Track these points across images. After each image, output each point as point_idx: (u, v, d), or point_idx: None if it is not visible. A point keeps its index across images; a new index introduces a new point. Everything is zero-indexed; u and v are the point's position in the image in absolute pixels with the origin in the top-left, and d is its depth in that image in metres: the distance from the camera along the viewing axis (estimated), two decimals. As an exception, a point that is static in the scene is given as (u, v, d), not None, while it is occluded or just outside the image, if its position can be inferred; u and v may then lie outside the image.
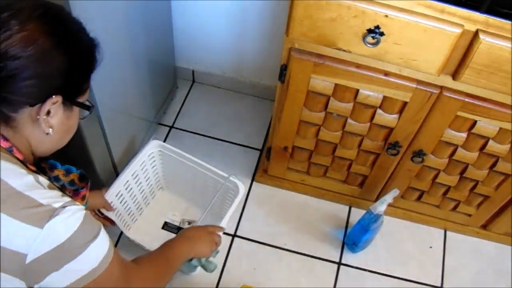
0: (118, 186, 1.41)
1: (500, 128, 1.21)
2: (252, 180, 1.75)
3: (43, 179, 0.79)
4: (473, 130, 1.23)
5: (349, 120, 1.31)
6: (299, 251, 1.61)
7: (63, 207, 0.75)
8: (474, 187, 1.44)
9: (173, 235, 1.37)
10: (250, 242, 1.61)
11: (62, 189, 1.04)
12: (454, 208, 1.59)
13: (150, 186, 1.60)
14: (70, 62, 0.78)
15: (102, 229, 0.82)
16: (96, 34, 1.15)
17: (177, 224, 1.60)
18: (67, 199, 0.77)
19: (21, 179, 0.75)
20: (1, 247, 0.71)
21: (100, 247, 0.80)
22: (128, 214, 1.52)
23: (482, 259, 1.65)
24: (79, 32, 0.82)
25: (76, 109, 0.85)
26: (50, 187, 0.79)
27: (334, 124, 1.34)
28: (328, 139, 1.40)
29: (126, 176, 1.44)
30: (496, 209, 1.52)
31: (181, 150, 1.50)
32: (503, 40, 0.98)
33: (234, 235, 1.62)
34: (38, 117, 0.78)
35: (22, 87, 0.74)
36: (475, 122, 1.21)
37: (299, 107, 1.32)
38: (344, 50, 1.10)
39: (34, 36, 0.73)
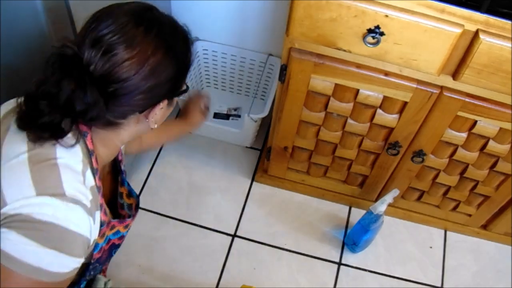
0: None
1: (500, 128, 1.21)
2: (252, 180, 1.75)
3: (91, 178, 0.80)
4: (473, 130, 1.23)
5: (349, 120, 1.31)
6: (299, 251, 1.60)
7: (73, 200, 0.74)
8: (474, 187, 1.44)
9: (225, 121, 1.85)
10: (250, 242, 1.61)
11: (120, 209, 1.09)
12: (454, 208, 1.59)
13: (197, 84, 1.86)
14: (176, 67, 0.82)
15: (80, 260, 0.79)
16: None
17: (225, 112, 1.86)
18: (87, 202, 0.77)
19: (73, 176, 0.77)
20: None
21: (67, 262, 0.76)
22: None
23: (482, 259, 1.65)
24: (179, 34, 0.85)
25: (175, 98, 0.89)
26: (92, 190, 0.80)
27: (334, 124, 1.34)
28: (328, 139, 1.40)
29: None
30: (496, 209, 1.52)
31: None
32: (503, 40, 0.98)
33: (234, 235, 1.62)
34: (147, 120, 0.84)
35: (133, 102, 0.78)
36: (475, 122, 1.21)
37: (299, 107, 1.32)
38: (344, 50, 1.10)
39: (143, 58, 0.76)
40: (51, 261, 0.73)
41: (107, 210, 0.95)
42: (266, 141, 1.78)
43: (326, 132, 1.38)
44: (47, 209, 0.72)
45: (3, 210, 0.72)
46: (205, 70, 1.87)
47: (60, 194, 0.74)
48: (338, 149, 1.43)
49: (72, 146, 0.78)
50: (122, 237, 1.03)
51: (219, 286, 1.51)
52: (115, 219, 0.96)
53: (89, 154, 0.82)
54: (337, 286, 1.55)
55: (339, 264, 1.59)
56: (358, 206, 1.70)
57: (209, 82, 1.92)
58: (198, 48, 1.78)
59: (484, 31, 0.99)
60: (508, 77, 1.05)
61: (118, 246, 1.04)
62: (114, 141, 0.87)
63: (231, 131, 1.74)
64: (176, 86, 0.86)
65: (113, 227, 0.95)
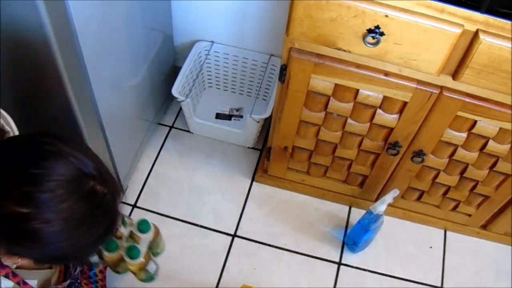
0: (180, 81, 1.68)
1: (500, 128, 1.21)
2: (252, 180, 1.75)
3: (6, 282, 0.78)
4: (473, 130, 1.23)
5: (349, 120, 1.31)
6: (299, 251, 1.61)
7: None
8: (474, 187, 1.44)
9: (227, 122, 1.85)
10: (250, 242, 1.61)
11: None
12: (454, 208, 1.59)
13: (199, 84, 1.86)
14: (60, 250, 0.74)
15: None
16: (96, 34, 1.15)
17: (227, 113, 1.86)
18: None
19: None
20: None
21: None
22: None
23: (482, 259, 1.65)
24: (94, 223, 0.76)
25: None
26: None
27: (334, 124, 1.34)
28: (328, 139, 1.40)
29: (184, 72, 1.70)
30: (496, 209, 1.52)
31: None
32: (503, 40, 0.98)
33: (234, 235, 1.62)
34: (1, 256, 0.76)
35: (2, 239, 0.71)
36: (475, 122, 1.21)
37: (299, 107, 1.32)
38: (344, 50, 1.10)
39: (64, 211, 0.70)
40: None
41: (43, 272, 0.93)
42: (266, 141, 1.79)
43: (326, 132, 1.38)
44: None
45: None
46: (207, 71, 1.87)
47: None
48: (338, 149, 1.43)
49: None
50: None
51: (219, 286, 1.51)
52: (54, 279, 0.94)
53: None
54: (337, 286, 1.55)
55: (339, 264, 1.59)
56: (358, 206, 1.70)
57: (211, 83, 1.93)
58: (200, 49, 1.78)
59: (484, 31, 0.99)
60: (508, 77, 1.05)
61: None
62: None
63: (233, 131, 1.74)
64: (49, 262, 0.79)
65: None
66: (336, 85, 1.22)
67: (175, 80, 1.67)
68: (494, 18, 0.96)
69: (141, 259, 1.18)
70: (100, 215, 0.75)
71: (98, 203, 0.74)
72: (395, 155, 1.37)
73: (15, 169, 0.70)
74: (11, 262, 0.78)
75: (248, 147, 1.83)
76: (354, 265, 1.59)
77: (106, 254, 1.18)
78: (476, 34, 0.99)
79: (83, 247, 0.77)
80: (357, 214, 1.64)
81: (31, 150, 0.72)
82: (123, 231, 1.20)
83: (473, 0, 0.96)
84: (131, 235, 1.22)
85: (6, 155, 0.72)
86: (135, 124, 1.62)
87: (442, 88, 1.16)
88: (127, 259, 1.17)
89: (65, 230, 0.71)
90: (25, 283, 0.87)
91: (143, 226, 1.22)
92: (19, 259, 0.76)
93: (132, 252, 1.17)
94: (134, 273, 1.24)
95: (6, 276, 0.81)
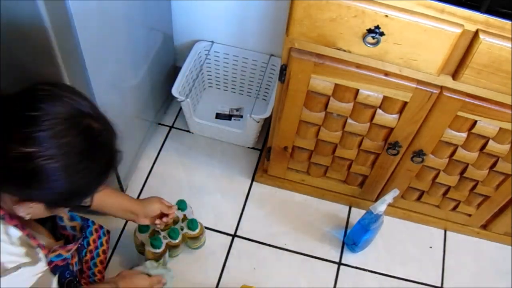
0: (180, 81, 1.68)
1: (500, 128, 1.21)
2: (252, 180, 1.75)
3: (14, 231, 0.81)
4: (473, 130, 1.23)
5: (349, 120, 1.31)
6: (299, 251, 1.61)
7: (17, 268, 0.77)
8: (474, 187, 1.44)
9: (227, 122, 1.84)
10: (250, 242, 1.61)
11: (62, 229, 1.09)
12: (454, 208, 1.59)
13: (199, 84, 1.86)
14: (70, 186, 0.78)
15: None
16: (95, 34, 1.15)
17: (227, 113, 1.85)
18: (27, 259, 0.79)
19: None
20: None
21: None
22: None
23: (482, 259, 1.65)
24: (97, 157, 0.81)
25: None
26: (21, 240, 0.81)
27: (334, 124, 1.34)
28: (328, 139, 1.40)
29: (184, 72, 1.70)
30: (496, 209, 1.52)
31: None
32: (503, 40, 0.98)
33: (234, 235, 1.62)
34: (14, 206, 0.80)
35: (7, 186, 0.76)
36: (475, 122, 1.21)
37: (299, 107, 1.32)
38: (344, 50, 1.10)
39: (45, 153, 0.73)
40: None
41: (46, 239, 0.96)
42: (266, 141, 1.78)
43: (326, 132, 1.38)
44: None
45: None
46: (207, 71, 1.87)
47: (3, 271, 0.76)
48: (338, 149, 1.43)
49: None
50: (65, 259, 1.02)
51: (219, 286, 1.51)
52: (58, 245, 0.97)
53: None
54: (337, 286, 1.55)
55: (339, 264, 1.59)
56: (358, 206, 1.70)
57: (211, 83, 1.93)
58: (200, 49, 1.78)
59: (484, 31, 0.99)
60: (508, 77, 1.05)
61: (62, 267, 1.03)
62: (5, 204, 0.83)
63: (233, 131, 1.74)
64: (65, 202, 0.83)
65: (54, 251, 0.96)
66: (336, 85, 1.22)
67: (175, 80, 1.67)
68: (494, 18, 0.96)
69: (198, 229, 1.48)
70: (99, 150, 0.80)
71: (95, 138, 0.79)
72: (395, 155, 1.37)
73: (15, 114, 0.74)
74: (24, 211, 0.80)
75: (248, 147, 1.83)
76: (354, 265, 1.59)
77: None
78: (476, 34, 0.99)
79: (87, 183, 0.81)
80: (357, 214, 1.64)
81: (28, 96, 0.77)
82: (179, 214, 1.47)
83: (473, 0, 0.96)
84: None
85: (5, 104, 0.76)
86: (135, 124, 1.62)
87: (442, 88, 1.16)
88: (188, 231, 1.46)
89: (68, 165, 0.75)
90: (34, 238, 0.90)
91: (182, 205, 1.50)
92: (31, 205, 0.79)
93: (193, 224, 1.46)
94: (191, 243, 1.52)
95: (15, 227, 0.84)
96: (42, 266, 0.83)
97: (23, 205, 0.79)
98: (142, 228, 1.42)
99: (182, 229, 1.45)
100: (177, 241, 1.43)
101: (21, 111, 0.74)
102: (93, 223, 1.30)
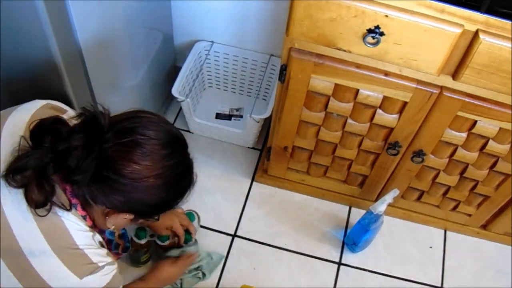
0: (180, 81, 1.68)
1: (500, 128, 1.21)
2: (252, 180, 1.75)
3: (98, 237, 0.90)
4: (473, 130, 1.23)
5: (349, 120, 1.31)
6: (299, 251, 1.61)
7: (104, 266, 0.87)
8: (474, 187, 1.44)
9: (227, 122, 1.83)
10: (250, 242, 1.61)
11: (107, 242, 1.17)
12: (454, 208, 1.59)
13: (199, 84, 1.86)
14: (162, 200, 0.88)
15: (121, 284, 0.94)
16: (96, 34, 1.16)
17: (227, 113, 1.85)
18: (109, 259, 0.89)
19: (86, 238, 0.86)
20: (44, 281, 0.82)
21: None
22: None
23: (482, 259, 1.65)
24: (186, 177, 0.91)
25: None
26: (101, 245, 0.91)
27: (334, 124, 1.34)
28: (328, 139, 1.40)
29: (184, 72, 1.70)
30: (496, 209, 1.52)
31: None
32: (503, 40, 0.98)
33: (234, 235, 1.62)
34: (107, 217, 0.88)
35: (111, 197, 0.83)
36: (475, 122, 1.21)
37: (299, 107, 1.32)
38: (344, 50, 1.10)
39: (148, 173, 0.82)
40: None
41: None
42: (266, 141, 1.78)
43: (326, 132, 1.38)
44: (94, 284, 0.86)
45: None
46: (207, 71, 1.87)
47: (95, 268, 0.86)
48: (338, 149, 1.43)
49: (68, 210, 0.84)
50: None
51: (219, 286, 1.51)
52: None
53: (83, 218, 0.88)
54: (337, 286, 1.55)
55: (339, 264, 1.59)
56: (358, 206, 1.70)
57: (211, 83, 1.93)
58: (200, 49, 1.78)
59: (484, 31, 0.99)
60: (508, 77, 1.05)
61: None
62: (91, 216, 0.91)
63: (234, 131, 1.74)
64: (151, 213, 0.92)
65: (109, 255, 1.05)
66: (336, 85, 1.22)
67: (175, 80, 1.67)
68: (494, 18, 0.96)
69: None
70: (190, 172, 0.91)
71: (189, 162, 0.92)
72: (395, 155, 1.37)
73: (124, 135, 0.83)
74: (113, 222, 0.90)
75: (248, 147, 1.83)
76: (354, 265, 1.59)
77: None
78: (476, 34, 0.99)
79: (174, 199, 0.91)
80: (357, 214, 1.64)
81: (132, 121, 0.86)
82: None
83: (473, 0, 0.96)
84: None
85: (113, 125, 0.84)
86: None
87: (442, 88, 1.16)
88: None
89: (167, 183, 0.85)
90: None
91: (190, 217, 1.49)
92: (125, 216, 0.88)
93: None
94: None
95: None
96: (116, 265, 0.92)
97: (116, 217, 0.88)
98: (140, 234, 1.41)
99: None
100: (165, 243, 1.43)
101: (131, 135, 0.82)
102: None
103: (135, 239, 1.39)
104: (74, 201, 0.86)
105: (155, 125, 0.86)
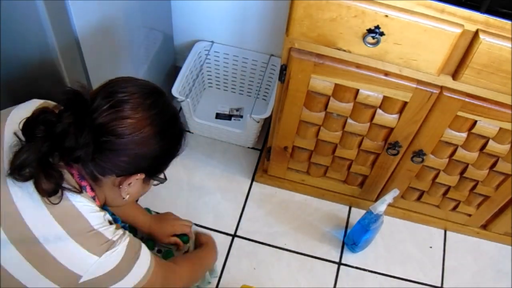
0: (180, 81, 1.67)
1: (500, 128, 1.21)
2: (252, 180, 1.75)
3: (107, 216, 0.92)
4: (473, 130, 1.23)
5: (349, 120, 1.31)
6: (299, 251, 1.61)
7: (118, 239, 0.88)
8: (474, 187, 1.44)
9: (227, 122, 1.84)
10: (250, 242, 1.61)
11: None
12: (454, 208, 1.59)
13: (199, 84, 1.86)
14: (163, 149, 0.90)
15: (142, 246, 0.96)
16: (95, 34, 1.16)
17: (227, 113, 1.86)
18: (121, 231, 0.91)
19: (96, 218, 0.87)
20: (63, 265, 0.83)
21: (142, 263, 0.94)
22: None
23: (482, 259, 1.65)
24: (176, 123, 0.94)
25: (151, 180, 0.98)
26: (110, 222, 0.92)
27: (334, 124, 1.34)
28: (328, 139, 1.40)
29: (184, 72, 1.70)
30: (496, 209, 1.52)
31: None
32: (503, 40, 0.98)
33: (234, 235, 1.62)
34: (120, 186, 0.91)
35: (116, 161, 0.86)
36: (475, 122, 1.21)
37: (299, 107, 1.32)
38: (344, 50, 1.10)
39: (141, 124, 0.84)
40: (138, 272, 0.93)
41: None
42: (266, 141, 1.78)
43: (326, 132, 1.38)
44: (114, 259, 0.87)
45: (82, 280, 0.85)
46: (207, 71, 1.87)
47: (111, 244, 0.87)
48: (338, 149, 1.43)
49: (79, 192, 0.86)
50: None
51: (219, 286, 1.51)
52: None
53: (93, 199, 0.91)
54: (337, 286, 1.55)
55: (339, 264, 1.59)
56: (358, 206, 1.70)
57: (211, 83, 1.93)
58: (200, 49, 1.78)
59: (484, 31, 0.99)
60: (508, 77, 1.05)
61: None
62: (101, 194, 0.94)
63: (233, 131, 1.74)
64: (157, 166, 0.95)
65: None
66: (336, 85, 1.22)
67: (175, 80, 1.67)
68: (494, 18, 0.96)
69: None
70: (177, 118, 0.94)
71: (174, 109, 0.94)
72: (395, 155, 1.37)
73: (108, 98, 0.85)
74: (126, 191, 0.92)
75: (248, 147, 1.83)
76: (354, 265, 1.59)
77: None
78: (476, 34, 0.99)
79: (171, 148, 0.94)
80: (357, 214, 1.64)
81: (111, 84, 0.88)
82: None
83: (473, 0, 0.96)
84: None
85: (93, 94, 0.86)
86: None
87: (442, 88, 1.16)
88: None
89: (160, 130, 0.88)
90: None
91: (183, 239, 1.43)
92: (132, 181, 0.90)
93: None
94: None
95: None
96: (127, 233, 0.93)
97: (128, 182, 0.90)
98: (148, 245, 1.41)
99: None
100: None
101: (114, 97, 0.84)
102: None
103: None
104: (83, 183, 0.88)
105: (130, 82, 0.89)
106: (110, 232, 0.88)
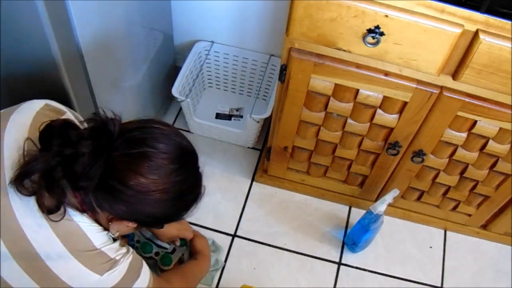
0: (180, 81, 1.67)
1: (500, 128, 1.21)
2: (252, 180, 1.75)
3: (110, 234, 0.91)
4: (473, 130, 1.23)
5: (349, 120, 1.31)
6: (299, 251, 1.61)
7: (120, 259, 0.88)
8: (474, 187, 1.44)
9: (227, 122, 1.83)
10: (250, 242, 1.61)
11: None
12: (454, 208, 1.59)
13: (199, 84, 1.86)
14: (167, 213, 0.88)
15: (144, 264, 0.96)
16: (96, 34, 1.16)
17: (227, 113, 1.85)
18: (124, 250, 0.91)
19: (102, 237, 0.87)
20: (64, 282, 0.83)
21: (141, 282, 0.94)
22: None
23: (482, 259, 1.65)
24: (193, 192, 0.91)
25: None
26: (114, 240, 0.92)
27: (334, 124, 1.34)
28: (328, 139, 1.40)
29: (184, 72, 1.70)
30: (496, 209, 1.52)
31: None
32: (503, 40, 0.98)
33: (234, 235, 1.62)
34: (110, 223, 0.88)
35: (114, 206, 0.83)
36: (475, 122, 1.21)
37: (299, 107, 1.32)
38: (344, 50, 1.10)
39: (154, 188, 0.81)
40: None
41: None
42: (266, 141, 1.78)
43: (326, 132, 1.38)
44: (114, 277, 0.87)
45: None
46: (207, 71, 1.87)
47: (114, 263, 0.87)
48: (338, 149, 1.43)
49: (82, 211, 0.85)
50: None
51: (219, 286, 1.51)
52: None
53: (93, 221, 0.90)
54: (337, 286, 1.55)
55: (339, 264, 1.59)
56: (358, 206, 1.70)
57: (211, 83, 1.93)
58: (200, 49, 1.78)
59: (484, 31, 0.99)
60: (508, 77, 1.05)
61: None
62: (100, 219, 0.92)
63: (233, 131, 1.74)
64: (155, 224, 0.93)
65: None
66: (336, 85, 1.22)
67: (175, 80, 1.67)
68: (494, 18, 0.96)
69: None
70: (198, 186, 0.92)
71: (198, 176, 0.91)
72: (395, 155, 1.37)
73: (134, 147, 0.82)
74: (116, 228, 0.90)
75: (248, 147, 1.83)
76: (354, 265, 1.59)
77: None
78: (476, 34, 0.99)
79: (179, 212, 0.91)
80: (357, 214, 1.64)
81: (145, 132, 0.84)
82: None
83: (473, 0, 0.96)
84: None
85: (123, 134, 0.83)
86: (135, 124, 1.62)
87: (442, 88, 1.16)
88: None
89: (173, 198, 0.85)
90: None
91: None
92: (128, 224, 0.89)
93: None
94: None
95: None
96: (130, 251, 0.93)
97: (119, 224, 0.88)
98: (146, 248, 1.42)
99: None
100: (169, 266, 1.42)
101: (141, 146, 0.81)
102: None
103: (141, 252, 1.40)
104: (84, 207, 0.86)
105: (166, 137, 0.84)
106: (113, 250, 0.88)
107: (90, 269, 0.84)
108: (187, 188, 0.87)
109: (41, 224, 0.81)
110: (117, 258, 0.88)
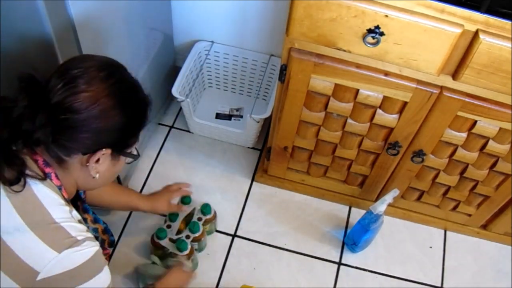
0: (180, 81, 1.68)
1: (500, 128, 1.21)
2: (252, 180, 1.75)
3: (75, 213, 0.89)
4: (473, 130, 1.23)
5: (349, 120, 1.31)
6: (299, 251, 1.61)
7: (84, 240, 0.85)
8: (474, 187, 1.44)
9: (227, 122, 1.84)
10: (250, 242, 1.61)
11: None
12: (454, 208, 1.59)
13: (199, 84, 1.86)
14: (125, 120, 0.87)
15: (107, 268, 0.91)
16: (96, 34, 1.15)
17: (227, 113, 1.86)
18: (90, 235, 0.88)
19: (60, 211, 0.85)
20: (20, 259, 0.81)
21: (102, 280, 0.90)
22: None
23: (482, 259, 1.65)
24: (137, 93, 0.92)
25: (122, 157, 0.95)
26: (79, 222, 0.89)
27: (334, 124, 1.34)
28: (328, 139, 1.40)
29: (184, 72, 1.70)
30: (496, 209, 1.52)
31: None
32: (503, 40, 0.98)
33: (234, 235, 1.62)
34: (87, 164, 0.88)
35: (79, 138, 0.83)
36: (475, 122, 1.21)
37: (299, 107, 1.32)
38: (344, 50, 1.10)
39: (97, 96, 0.82)
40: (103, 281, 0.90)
41: None
42: (266, 141, 1.78)
43: (326, 132, 1.38)
44: (74, 260, 0.84)
45: (40, 277, 0.81)
46: (207, 71, 1.87)
47: (74, 242, 0.84)
48: (338, 149, 1.43)
49: (43, 179, 0.85)
50: None
51: (219, 286, 1.51)
52: None
53: (59, 189, 0.88)
54: (337, 286, 1.55)
55: (339, 264, 1.59)
56: (358, 206, 1.70)
57: (211, 83, 1.93)
58: (200, 49, 1.78)
59: (484, 31, 0.99)
60: (508, 77, 1.05)
61: None
62: (70, 181, 0.92)
63: (233, 131, 1.74)
64: (123, 140, 0.91)
65: None
66: (336, 85, 1.22)
67: (175, 80, 1.67)
68: (494, 18, 0.96)
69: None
70: (138, 87, 0.92)
71: (133, 78, 0.91)
72: (395, 155, 1.37)
73: (63, 74, 0.84)
74: (94, 169, 0.90)
75: (248, 147, 1.83)
76: (354, 265, 1.59)
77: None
78: (476, 34, 0.99)
79: (137, 117, 0.91)
80: (357, 214, 1.64)
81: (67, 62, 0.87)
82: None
83: (473, 0, 0.96)
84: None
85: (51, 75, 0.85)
86: (135, 124, 1.62)
87: (442, 88, 1.16)
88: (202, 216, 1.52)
89: (121, 99, 0.86)
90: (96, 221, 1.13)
91: (206, 209, 1.52)
92: (99, 157, 0.88)
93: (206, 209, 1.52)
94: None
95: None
96: (97, 243, 0.90)
97: (94, 159, 0.87)
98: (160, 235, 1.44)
99: (200, 219, 1.50)
100: (198, 233, 1.46)
101: (68, 73, 0.83)
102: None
103: (178, 253, 1.42)
104: (47, 170, 0.86)
105: (85, 58, 0.88)
106: (75, 229, 0.85)
107: (47, 243, 0.81)
108: (128, 89, 0.89)
109: (0, 197, 0.81)
110: (79, 238, 0.84)
